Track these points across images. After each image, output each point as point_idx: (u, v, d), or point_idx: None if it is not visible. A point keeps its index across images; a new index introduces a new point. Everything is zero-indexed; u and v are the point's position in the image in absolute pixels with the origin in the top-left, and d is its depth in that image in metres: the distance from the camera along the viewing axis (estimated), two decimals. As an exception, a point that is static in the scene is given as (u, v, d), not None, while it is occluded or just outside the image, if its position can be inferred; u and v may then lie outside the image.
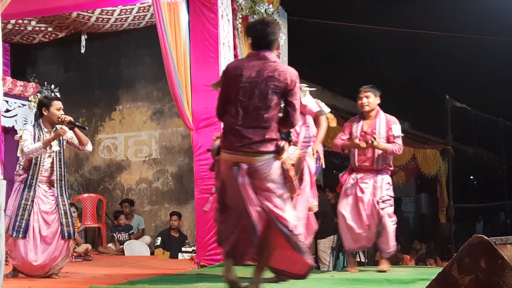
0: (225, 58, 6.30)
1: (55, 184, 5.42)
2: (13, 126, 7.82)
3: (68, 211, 5.46)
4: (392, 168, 5.75)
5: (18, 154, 5.32)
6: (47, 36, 8.10)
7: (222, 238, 3.84)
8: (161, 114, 9.22)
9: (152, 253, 8.37)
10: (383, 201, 5.43)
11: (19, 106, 8.02)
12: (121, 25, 7.76)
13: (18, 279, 5.35)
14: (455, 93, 12.03)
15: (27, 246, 5.25)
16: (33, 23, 7.68)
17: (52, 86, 8.70)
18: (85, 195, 9.12)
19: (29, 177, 5.29)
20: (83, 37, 7.91)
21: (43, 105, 5.48)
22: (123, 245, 8.40)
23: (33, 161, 5.30)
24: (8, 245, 5.07)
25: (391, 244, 5.52)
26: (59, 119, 5.40)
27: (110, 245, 8.65)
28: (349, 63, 12.68)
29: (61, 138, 5.48)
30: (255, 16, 6.86)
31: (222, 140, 3.75)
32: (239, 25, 6.64)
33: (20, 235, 5.23)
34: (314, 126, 5.08)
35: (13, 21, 7.43)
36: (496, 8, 10.30)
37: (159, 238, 8.22)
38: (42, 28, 7.85)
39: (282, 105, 3.74)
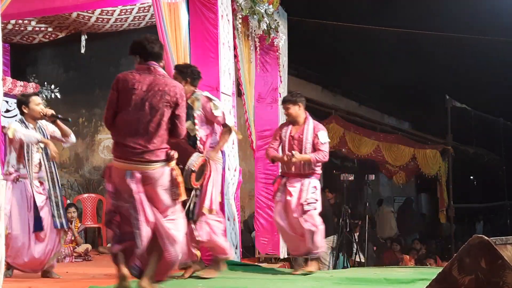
0: (225, 58, 6.30)
1: (46, 179, 5.43)
2: (13, 126, 7.81)
3: (60, 202, 5.49)
4: (319, 173, 5.81)
5: (9, 134, 5.26)
6: (47, 36, 8.10)
7: (117, 238, 4.03)
8: (161, 114, 9.20)
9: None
10: (307, 204, 5.53)
11: (19, 106, 8.00)
12: (121, 25, 7.76)
13: (16, 278, 5.34)
14: (455, 93, 12.05)
15: (22, 240, 5.26)
16: (33, 23, 7.68)
17: (52, 86, 8.71)
18: (85, 195, 9.12)
19: (17, 173, 5.28)
20: (83, 37, 7.91)
21: (22, 103, 5.44)
22: (123, 245, 8.39)
23: (26, 157, 5.30)
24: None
25: (318, 245, 5.58)
26: (41, 114, 5.40)
27: (110, 245, 8.64)
28: (349, 63, 12.69)
29: (45, 132, 5.50)
30: (255, 16, 6.86)
31: (114, 149, 3.98)
32: (239, 25, 6.63)
33: (7, 230, 5.22)
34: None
35: (13, 21, 7.43)
36: (496, 8, 10.31)
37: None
38: (42, 28, 7.85)
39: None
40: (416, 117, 16.50)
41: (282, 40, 7.71)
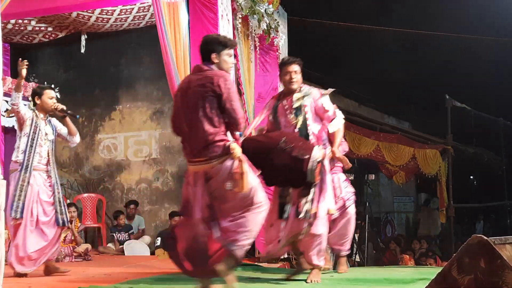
0: (225, 58, 6.29)
1: (52, 173, 5.49)
2: (13, 126, 7.80)
3: (61, 198, 5.55)
4: (341, 166, 5.65)
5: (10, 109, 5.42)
6: (47, 36, 8.10)
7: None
8: (161, 114, 9.22)
9: (152, 253, 8.37)
10: (348, 199, 5.45)
11: (19, 106, 8.00)
12: (121, 25, 7.76)
13: (17, 278, 5.34)
14: (455, 93, 12.04)
15: (26, 233, 5.27)
16: (33, 23, 7.69)
17: (52, 86, 8.68)
18: (85, 195, 9.13)
19: (25, 159, 5.34)
20: (83, 37, 7.91)
21: (36, 94, 5.64)
22: (123, 245, 8.40)
23: (29, 143, 5.38)
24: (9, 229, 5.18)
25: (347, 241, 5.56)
26: (52, 107, 5.56)
27: (110, 245, 8.65)
28: (349, 63, 12.68)
29: (53, 128, 5.61)
30: (255, 16, 6.86)
31: (183, 154, 4.01)
32: (239, 25, 6.63)
33: (18, 215, 5.25)
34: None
35: (13, 21, 7.44)
36: (496, 8, 10.31)
37: (160, 239, 8.22)
38: (42, 28, 7.85)
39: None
40: (416, 117, 16.49)
41: (282, 40, 7.71)
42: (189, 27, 6.26)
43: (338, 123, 4.88)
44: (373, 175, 10.52)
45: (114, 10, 7.32)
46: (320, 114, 4.80)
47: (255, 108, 7.63)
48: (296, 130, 4.69)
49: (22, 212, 5.29)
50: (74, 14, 7.27)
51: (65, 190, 9.46)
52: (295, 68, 4.87)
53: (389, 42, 11.40)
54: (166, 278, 5.20)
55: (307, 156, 4.15)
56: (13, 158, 5.45)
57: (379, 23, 10.07)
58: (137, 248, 8.42)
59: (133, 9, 7.35)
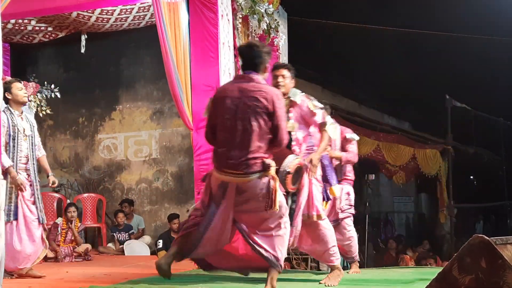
0: (225, 58, 6.30)
1: (31, 171, 5.40)
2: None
3: (39, 196, 5.46)
4: (352, 179, 5.76)
5: None
6: (47, 36, 8.10)
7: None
8: (161, 114, 9.22)
9: (152, 253, 8.36)
10: (342, 211, 5.52)
11: (19, 106, 7.99)
12: (121, 25, 7.76)
13: (16, 279, 5.34)
14: (455, 93, 12.04)
15: (13, 233, 5.23)
16: (33, 23, 7.68)
17: (52, 86, 8.69)
18: (85, 195, 9.12)
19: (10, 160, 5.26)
20: (83, 37, 7.90)
21: (4, 90, 5.30)
22: (123, 245, 8.39)
23: (11, 144, 5.24)
24: None
25: (352, 246, 5.60)
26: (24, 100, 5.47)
27: (110, 245, 8.65)
28: (349, 63, 12.69)
29: (31, 124, 5.48)
30: (255, 16, 6.85)
31: (212, 158, 3.93)
32: (239, 25, 6.63)
33: (11, 218, 5.21)
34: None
35: (13, 21, 7.43)
36: (496, 8, 10.31)
37: (161, 241, 8.19)
38: (42, 28, 7.84)
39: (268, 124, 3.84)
40: (416, 117, 16.50)
41: (282, 40, 7.71)
42: (189, 27, 6.26)
43: (330, 131, 4.82)
44: (373, 175, 10.51)
45: (114, 10, 7.31)
46: (307, 119, 4.75)
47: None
48: None
49: (16, 215, 5.24)
50: (74, 14, 7.26)
51: (65, 190, 9.46)
52: (283, 72, 4.84)
53: (389, 42, 11.40)
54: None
55: (276, 167, 4.08)
56: None
57: (379, 23, 10.07)
58: (137, 248, 8.42)
59: (133, 9, 7.34)
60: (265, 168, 3.76)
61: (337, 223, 5.43)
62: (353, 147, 5.65)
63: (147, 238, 8.77)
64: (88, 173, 9.56)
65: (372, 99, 14.92)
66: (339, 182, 5.48)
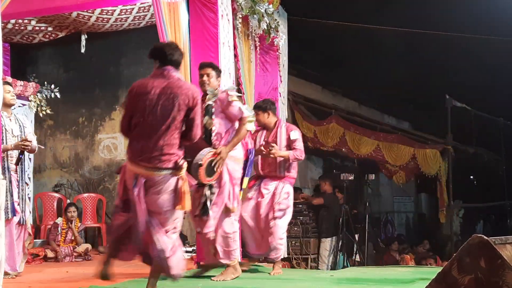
0: (225, 58, 6.30)
1: (18, 171, 5.41)
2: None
3: (26, 196, 5.47)
4: (294, 177, 5.84)
5: None
6: (47, 36, 8.10)
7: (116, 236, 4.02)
8: (161, 114, 9.20)
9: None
10: (279, 209, 5.60)
11: (19, 106, 8.00)
12: (121, 25, 7.76)
13: (16, 279, 5.33)
14: (455, 93, 12.03)
15: (12, 232, 5.22)
16: (33, 23, 7.68)
17: (52, 86, 8.70)
18: (85, 195, 9.12)
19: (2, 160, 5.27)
20: (83, 37, 7.90)
21: None
22: (123, 245, 8.39)
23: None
24: None
25: (279, 248, 5.67)
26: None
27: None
28: (349, 63, 12.68)
29: (20, 124, 5.49)
30: (255, 16, 6.86)
31: (127, 150, 3.99)
32: (239, 25, 6.63)
33: (9, 216, 5.22)
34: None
35: (13, 21, 7.43)
36: (496, 8, 10.30)
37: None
38: (42, 28, 7.85)
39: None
40: (416, 117, 16.47)
41: (282, 40, 7.71)
42: (189, 27, 6.26)
43: (248, 125, 5.02)
44: (373, 175, 10.51)
45: (114, 10, 7.31)
46: (228, 113, 4.97)
47: (255, 108, 7.64)
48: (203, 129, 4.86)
49: (13, 211, 5.25)
50: (74, 14, 7.27)
51: (65, 190, 9.47)
52: (208, 71, 5.12)
53: (389, 42, 11.39)
54: (166, 278, 5.19)
55: (189, 159, 4.24)
56: None
57: (379, 23, 10.06)
58: (137, 248, 8.40)
59: (133, 9, 7.34)
60: (177, 168, 3.83)
61: (269, 220, 5.59)
62: (299, 145, 5.75)
63: (147, 238, 8.76)
64: (88, 173, 9.56)
65: (372, 99, 14.91)
66: (281, 178, 5.70)
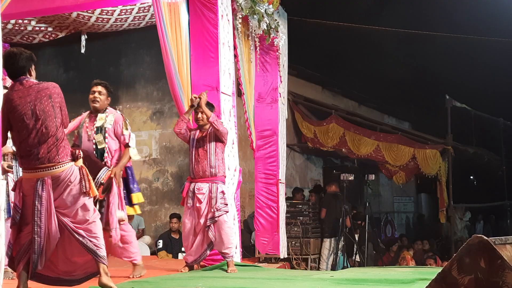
0: (225, 58, 6.30)
1: (14, 171, 5.39)
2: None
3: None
4: (224, 175, 5.84)
5: None
6: (47, 36, 8.10)
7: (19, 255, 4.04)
8: (161, 114, 9.22)
9: (152, 253, 8.36)
10: (218, 210, 5.62)
11: (19, 106, 7.99)
12: (121, 25, 7.76)
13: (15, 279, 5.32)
14: (455, 93, 12.05)
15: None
16: (33, 23, 7.68)
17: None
18: (85, 194, 9.10)
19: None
20: (83, 37, 7.90)
21: None
22: (123, 245, 8.38)
23: None
24: None
25: (228, 246, 5.68)
26: None
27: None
28: (349, 63, 12.69)
29: None
30: (255, 16, 6.86)
31: (20, 163, 4.06)
32: (239, 25, 6.63)
33: (6, 216, 5.21)
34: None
35: (13, 21, 7.43)
36: (496, 8, 10.31)
37: (161, 241, 8.19)
38: (42, 28, 7.85)
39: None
40: (416, 117, 16.50)
41: (282, 40, 7.71)
42: (189, 27, 6.26)
43: (132, 152, 5.37)
44: (373, 175, 10.52)
45: (114, 10, 7.31)
46: (117, 136, 5.34)
47: (255, 108, 7.64)
48: (94, 146, 5.27)
49: (9, 211, 5.24)
50: (74, 14, 7.26)
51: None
52: (99, 89, 5.64)
53: (389, 42, 11.40)
54: (166, 278, 5.21)
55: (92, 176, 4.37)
56: None
57: (379, 23, 10.07)
58: (137, 248, 8.40)
59: (133, 9, 7.34)
60: (75, 158, 3.99)
61: (214, 221, 5.61)
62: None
63: (147, 238, 8.77)
64: (88, 173, 9.55)
65: (372, 99, 14.92)
66: (213, 180, 5.72)
